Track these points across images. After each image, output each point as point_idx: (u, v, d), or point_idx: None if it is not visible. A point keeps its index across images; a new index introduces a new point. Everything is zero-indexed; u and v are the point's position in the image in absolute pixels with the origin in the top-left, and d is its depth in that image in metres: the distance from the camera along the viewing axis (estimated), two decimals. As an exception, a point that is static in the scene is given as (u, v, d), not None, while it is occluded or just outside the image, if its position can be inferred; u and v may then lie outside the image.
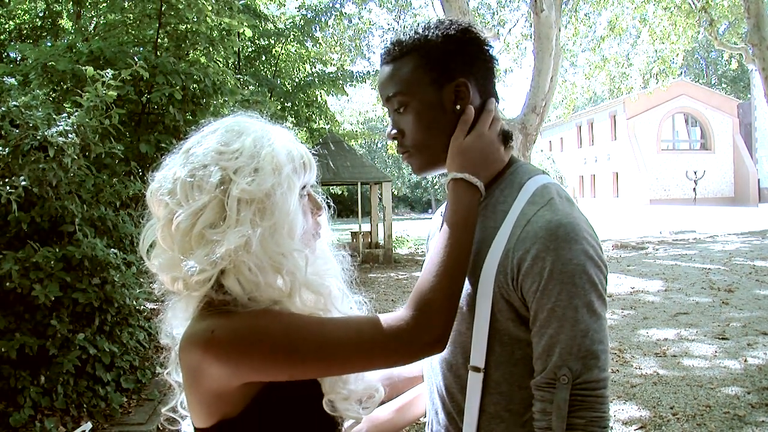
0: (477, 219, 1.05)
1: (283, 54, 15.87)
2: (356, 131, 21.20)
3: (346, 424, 1.10)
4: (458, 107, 1.09)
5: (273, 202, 0.96)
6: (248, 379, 0.94)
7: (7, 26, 11.20)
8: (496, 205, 1.08)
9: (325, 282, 1.06)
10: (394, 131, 1.14)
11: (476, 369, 1.04)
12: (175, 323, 1.05)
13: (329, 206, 1.14)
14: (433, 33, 1.09)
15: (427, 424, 1.21)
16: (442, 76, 1.08)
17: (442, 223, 1.06)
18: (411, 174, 50.77)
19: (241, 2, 10.70)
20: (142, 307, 5.06)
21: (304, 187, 1.05)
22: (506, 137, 1.15)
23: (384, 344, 0.95)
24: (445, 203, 1.29)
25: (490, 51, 1.13)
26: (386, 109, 1.16)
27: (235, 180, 0.95)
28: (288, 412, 1.00)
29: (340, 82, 15.20)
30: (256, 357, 0.92)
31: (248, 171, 0.96)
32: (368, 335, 0.95)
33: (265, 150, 0.99)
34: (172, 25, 6.92)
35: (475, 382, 1.04)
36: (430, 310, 0.97)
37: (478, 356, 1.03)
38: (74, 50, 6.01)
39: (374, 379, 1.14)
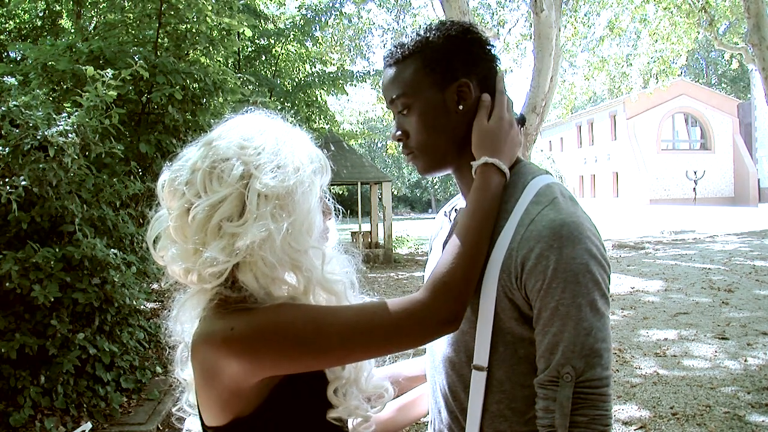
0: (499, 205, 1.06)
1: (283, 54, 15.87)
2: (356, 131, 21.20)
3: (354, 422, 1.10)
4: (461, 107, 1.10)
5: (294, 200, 0.97)
6: (268, 374, 0.95)
7: (7, 26, 11.19)
8: (501, 204, 1.08)
9: (340, 280, 1.08)
10: (399, 133, 1.15)
11: (479, 368, 1.04)
12: (184, 319, 1.06)
13: (336, 209, 1.16)
14: (434, 34, 1.10)
15: (429, 422, 1.21)
16: (444, 77, 1.09)
17: (466, 206, 1.07)
18: (411, 174, 50.77)
19: (241, 2, 10.70)
20: (142, 307, 5.06)
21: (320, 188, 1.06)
22: (522, 119, 1.18)
23: (400, 325, 0.97)
24: (450, 203, 1.29)
25: (492, 51, 1.14)
26: (391, 111, 1.17)
27: (256, 175, 0.96)
28: (300, 409, 1.00)
29: (340, 81, 15.19)
30: (278, 350, 0.93)
31: (271, 167, 0.96)
32: (385, 317, 0.97)
33: (286, 148, 1.00)
34: (172, 25, 6.92)
35: (478, 381, 1.04)
36: (446, 289, 0.98)
37: (481, 355, 1.04)
38: (74, 50, 6.01)
39: (383, 377, 1.15)
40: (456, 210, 1.21)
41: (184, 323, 1.06)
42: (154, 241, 1.04)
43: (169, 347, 1.12)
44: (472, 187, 1.08)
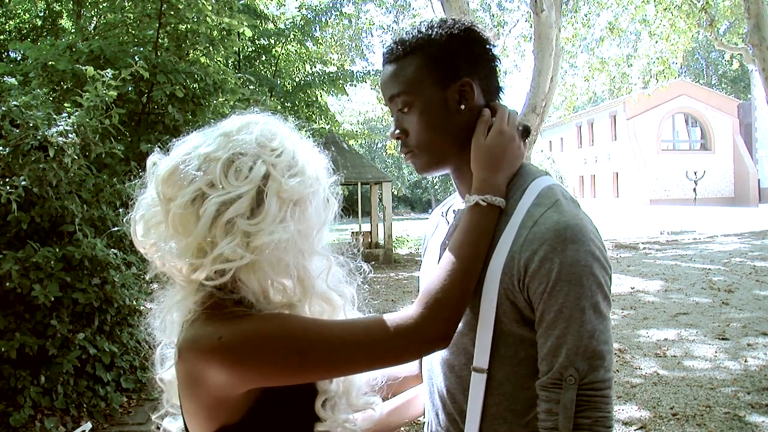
0: (495, 225, 1.05)
1: (283, 54, 15.88)
2: (356, 131, 21.21)
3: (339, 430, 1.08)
4: (463, 107, 1.09)
5: (312, 206, 0.97)
6: (256, 385, 0.93)
7: (7, 26, 11.20)
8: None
9: (341, 293, 1.06)
10: (398, 131, 1.12)
11: (479, 370, 1.03)
12: (170, 319, 1.02)
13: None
14: (436, 32, 1.08)
15: (426, 424, 1.20)
16: (446, 75, 1.07)
17: (462, 222, 1.06)
18: (411, 174, 50.78)
19: (241, 2, 10.70)
20: (142, 307, 5.06)
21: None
22: (525, 131, 1.14)
23: (391, 341, 0.96)
24: (445, 203, 1.28)
25: (493, 51, 1.13)
26: (388, 108, 1.15)
27: (274, 175, 0.94)
28: (287, 419, 0.99)
29: (340, 82, 15.20)
30: (266, 362, 0.92)
31: (292, 171, 0.96)
32: (376, 333, 0.96)
33: (302, 157, 0.99)
34: (172, 25, 6.92)
35: (478, 383, 1.04)
36: (438, 306, 0.98)
37: (481, 357, 1.03)
38: (74, 50, 6.01)
39: (371, 395, 1.13)
40: (454, 210, 1.19)
41: (171, 323, 1.03)
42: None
43: (156, 346, 1.09)
44: (467, 207, 1.06)
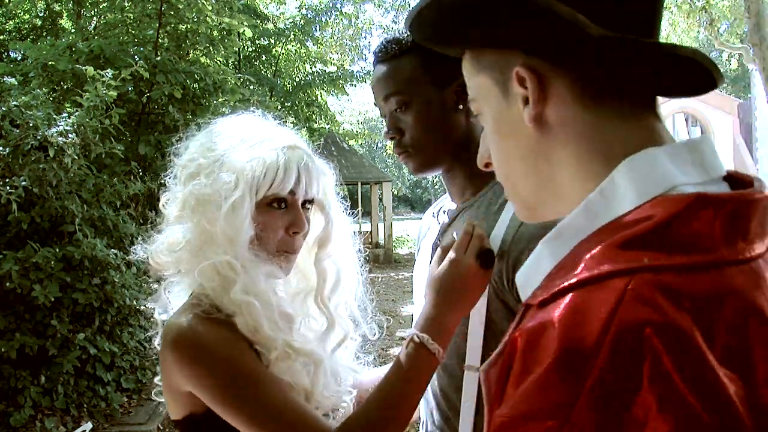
0: (431, 371, 0.99)
1: (283, 54, 15.88)
2: (356, 131, 21.21)
3: None
4: (461, 107, 1.08)
5: (217, 207, 0.96)
6: (189, 389, 0.95)
7: (6, 26, 11.21)
8: (489, 206, 1.07)
9: (253, 302, 0.98)
10: (392, 131, 1.11)
11: (472, 368, 1.04)
12: (170, 305, 1.09)
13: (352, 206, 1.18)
14: None
15: (421, 424, 1.21)
16: (443, 75, 1.06)
17: (399, 355, 0.98)
18: (411, 174, 50.50)
19: (241, 2, 10.70)
20: (142, 307, 5.07)
21: (275, 197, 1.00)
22: (487, 259, 0.98)
23: None
24: (436, 204, 1.29)
25: None
26: (380, 108, 1.14)
27: (198, 178, 0.99)
28: None
29: (340, 81, 15.21)
30: (198, 375, 0.94)
31: (207, 172, 0.98)
32: (290, 421, 0.93)
33: (233, 155, 0.98)
34: (172, 25, 6.93)
35: (471, 382, 1.04)
36: None
37: (474, 356, 1.03)
38: (74, 50, 6.02)
39: (343, 390, 1.11)
40: (444, 211, 1.19)
41: (169, 304, 1.08)
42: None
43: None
44: (408, 338, 0.98)
